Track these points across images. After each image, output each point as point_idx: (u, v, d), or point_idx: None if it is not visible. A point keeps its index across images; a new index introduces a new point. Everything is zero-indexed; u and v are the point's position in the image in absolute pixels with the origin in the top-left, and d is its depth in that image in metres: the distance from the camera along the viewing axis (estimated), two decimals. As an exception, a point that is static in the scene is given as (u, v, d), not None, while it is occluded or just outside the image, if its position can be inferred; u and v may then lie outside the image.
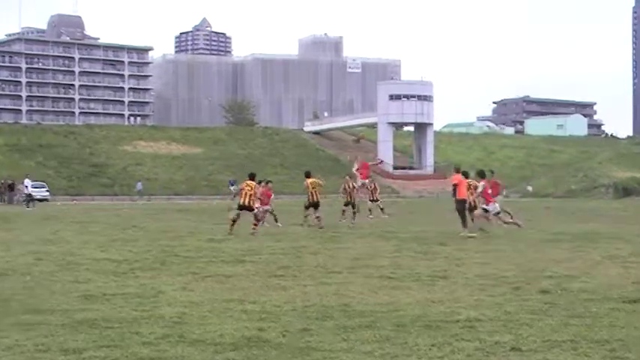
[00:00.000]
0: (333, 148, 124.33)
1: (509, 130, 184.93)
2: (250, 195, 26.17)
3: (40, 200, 72.05)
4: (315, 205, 29.15)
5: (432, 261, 17.08)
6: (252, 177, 26.97)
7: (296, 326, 9.50)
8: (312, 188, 29.32)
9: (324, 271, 15.22)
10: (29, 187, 56.95)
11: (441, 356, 8.07)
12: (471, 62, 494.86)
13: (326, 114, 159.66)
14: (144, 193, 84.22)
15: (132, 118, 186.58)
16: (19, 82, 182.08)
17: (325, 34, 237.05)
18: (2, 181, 73.77)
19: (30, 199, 57.53)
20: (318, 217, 28.81)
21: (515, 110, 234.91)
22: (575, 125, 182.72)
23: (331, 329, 9.36)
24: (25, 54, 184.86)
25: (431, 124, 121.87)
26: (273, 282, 13.62)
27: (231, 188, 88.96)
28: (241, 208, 26.14)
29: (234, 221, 25.75)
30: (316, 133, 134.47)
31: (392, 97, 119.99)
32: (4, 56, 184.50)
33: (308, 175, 30.22)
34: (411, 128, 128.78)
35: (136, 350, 8.23)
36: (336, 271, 15.20)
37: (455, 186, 25.27)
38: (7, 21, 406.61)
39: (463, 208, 24.96)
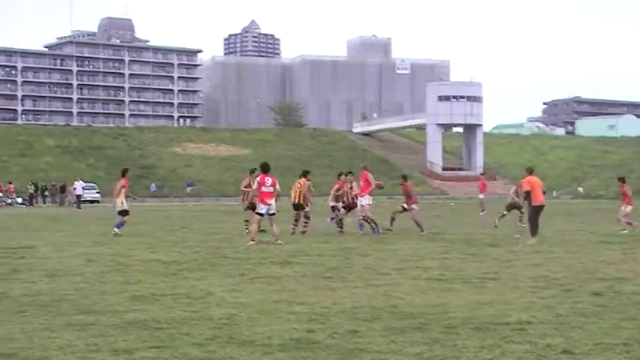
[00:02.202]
0: (382, 150, 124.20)
1: (560, 131, 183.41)
2: (302, 193, 25.98)
3: (91, 202, 72.85)
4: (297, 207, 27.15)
5: (482, 263, 16.96)
6: (305, 174, 26.75)
7: (345, 328, 9.47)
8: (298, 188, 27.18)
9: (372, 272, 15.18)
10: (78, 189, 57.52)
11: (490, 358, 8.00)
12: (521, 62, 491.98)
13: (375, 115, 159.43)
14: (192, 194, 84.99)
15: (181, 120, 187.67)
16: (71, 84, 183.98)
17: (374, 35, 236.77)
18: (53, 184, 74.62)
19: (80, 200, 58.02)
20: (295, 221, 27.18)
21: (566, 111, 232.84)
22: (628, 125, 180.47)
23: (380, 331, 9.32)
24: (76, 57, 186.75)
25: (480, 125, 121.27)
26: (321, 283, 13.60)
27: (188, 189, 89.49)
28: (296, 207, 26.09)
29: (296, 221, 26.08)
30: (365, 134, 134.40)
31: (441, 98, 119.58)
32: (55, 59, 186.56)
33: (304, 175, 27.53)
34: (460, 129, 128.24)
35: (186, 351, 8.26)
36: (385, 272, 15.15)
37: (527, 193, 22.85)
38: (58, 24, 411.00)
39: (538, 214, 22.82)
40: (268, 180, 22.33)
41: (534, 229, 22.66)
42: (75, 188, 59.16)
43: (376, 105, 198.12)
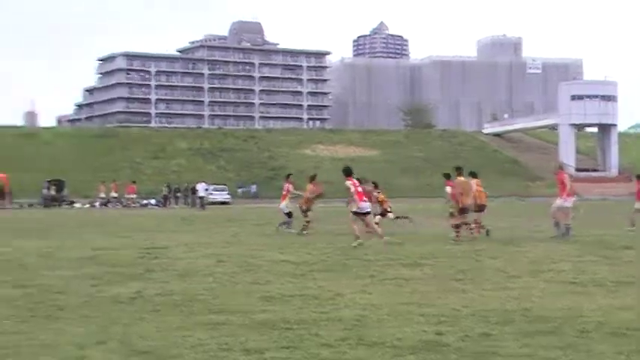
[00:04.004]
0: (513, 151, 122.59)
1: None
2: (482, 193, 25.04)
3: (222, 203, 73.98)
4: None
5: (617, 266, 16.50)
6: (472, 174, 25.40)
7: (475, 330, 9.34)
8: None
9: (503, 275, 14.94)
10: (201, 191, 58.35)
11: (628, 365, 7.77)
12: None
13: (505, 116, 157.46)
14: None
15: (310, 122, 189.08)
16: (202, 87, 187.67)
17: (504, 34, 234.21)
18: (186, 185, 76.03)
19: (203, 202, 58.71)
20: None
21: None
22: None
23: (512, 334, 9.15)
24: (208, 60, 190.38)
25: (615, 125, 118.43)
26: (451, 285, 13.45)
27: (239, 191, 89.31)
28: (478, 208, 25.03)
29: (465, 225, 24.48)
30: (495, 135, 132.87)
31: (574, 98, 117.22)
32: (187, 63, 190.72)
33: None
34: (594, 129, 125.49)
35: (316, 352, 8.27)
36: (516, 275, 14.89)
37: None
38: (191, 29, 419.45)
39: None
40: (355, 182, 22.72)
41: None
42: (198, 190, 59.98)
43: (507, 105, 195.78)
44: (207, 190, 60.89)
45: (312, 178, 29.12)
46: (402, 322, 9.94)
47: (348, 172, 22.85)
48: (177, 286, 13.37)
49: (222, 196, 77.92)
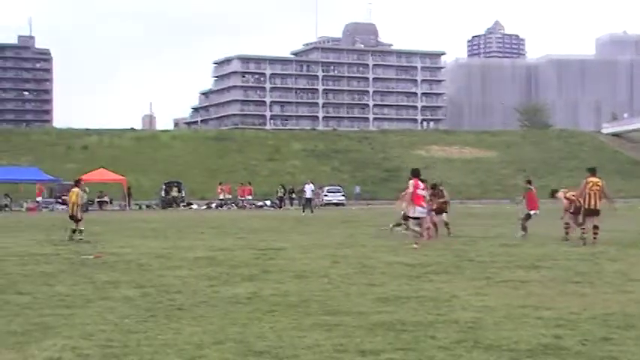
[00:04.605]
0: (633, 151, 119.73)
1: None
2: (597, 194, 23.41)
3: (336, 204, 74.22)
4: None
5: None
6: (592, 172, 23.85)
7: (596, 334, 9.15)
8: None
9: (623, 278, 14.61)
10: (308, 192, 58.25)
11: None
12: None
13: (626, 115, 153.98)
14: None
15: (424, 123, 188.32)
16: (316, 89, 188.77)
17: (624, 31, 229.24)
18: (291, 187, 76.22)
19: (311, 204, 58.59)
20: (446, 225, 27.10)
21: None
22: None
23: (634, 339, 8.93)
24: (322, 62, 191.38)
25: None
26: (570, 288, 13.22)
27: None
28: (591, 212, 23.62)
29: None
30: (615, 135, 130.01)
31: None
32: (301, 65, 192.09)
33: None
34: None
35: (432, 354, 8.22)
36: (637, 278, 14.54)
37: None
38: (305, 31, 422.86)
39: None
40: (421, 184, 22.87)
41: None
42: (305, 191, 59.92)
43: (627, 104, 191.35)
44: (313, 190, 60.77)
45: (433, 187, 28.49)
46: (519, 325, 9.81)
47: (415, 174, 23.23)
48: (292, 287, 13.46)
49: (337, 197, 78.13)
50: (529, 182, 27.63)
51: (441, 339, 8.95)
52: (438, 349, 8.43)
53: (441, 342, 8.80)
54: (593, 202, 23.21)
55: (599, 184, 23.36)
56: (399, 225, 27.02)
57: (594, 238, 22.84)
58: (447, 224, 27.26)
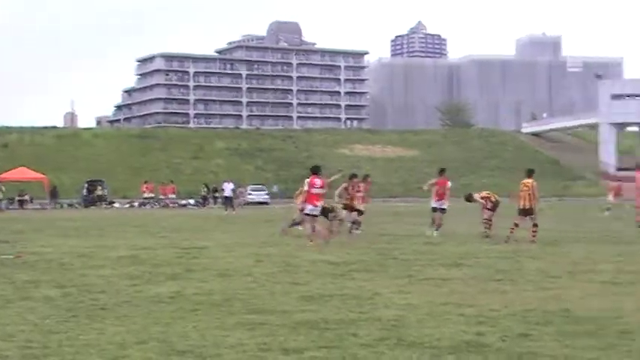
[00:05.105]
0: (553, 150, 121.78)
1: None
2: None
3: (261, 203, 74.10)
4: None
5: (659, 266, 16.36)
6: (528, 174, 24.45)
7: (515, 331, 9.30)
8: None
9: (543, 275, 14.87)
10: (227, 191, 57.72)
11: (670, 366, 7.70)
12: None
13: (545, 115, 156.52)
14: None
15: (348, 122, 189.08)
16: (240, 88, 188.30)
17: (543, 33, 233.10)
18: (214, 186, 75.72)
19: (232, 202, 58.15)
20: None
21: None
22: None
23: (552, 335, 9.10)
24: (246, 61, 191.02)
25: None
26: (491, 286, 13.41)
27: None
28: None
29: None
30: (534, 134, 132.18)
31: (614, 97, 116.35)
32: (225, 63, 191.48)
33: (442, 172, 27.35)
34: (636, 128, 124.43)
35: (355, 352, 8.26)
36: (556, 275, 14.81)
37: None
38: (228, 30, 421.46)
39: None
40: (317, 182, 22.85)
41: None
42: (224, 190, 59.29)
43: (546, 104, 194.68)
44: (234, 189, 60.31)
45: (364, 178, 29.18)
46: (441, 322, 9.91)
47: (314, 171, 23.30)
48: (216, 286, 13.41)
49: (261, 196, 77.97)
50: (441, 171, 27.84)
51: (364, 337, 9.00)
52: (361, 347, 8.48)
53: (363, 340, 8.84)
54: (523, 203, 23.92)
55: (528, 184, 24.01)
56: (297, 224, 26.98)
57: (533, 236, 23.33)
58: (354, 222, 27.36)
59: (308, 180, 23.02)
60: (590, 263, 17.04)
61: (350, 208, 26.92)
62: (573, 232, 28.32)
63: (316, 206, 22.84)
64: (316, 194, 22.78)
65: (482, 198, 26.23)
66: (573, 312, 10.60)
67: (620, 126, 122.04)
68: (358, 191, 27.88)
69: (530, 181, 24.10)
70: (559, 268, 16.09)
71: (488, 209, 25.83)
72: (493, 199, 26.04)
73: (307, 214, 23.07)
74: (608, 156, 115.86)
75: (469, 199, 26.65)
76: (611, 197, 48.43)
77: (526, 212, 23.94)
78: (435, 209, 26.83)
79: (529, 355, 8.11)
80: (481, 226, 25.83)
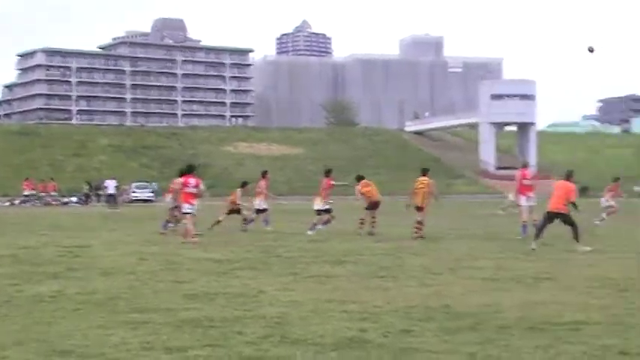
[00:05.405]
0: (435, 149, 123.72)
1: (616, 129, 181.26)
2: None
3: (144, 201, 73.27)
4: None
5: (536, 262, 16.80)
6: (423, 172, 24.99)
7: (397, 327, 9.44)
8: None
9: (425, 272, 15.12)
10: (110, 188, 56.90)
11: (545, 359, 7.92)
12: (575, 60, 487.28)
13: (427, 114, 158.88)
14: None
15: (233, 120, 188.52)
16: (124, 85, 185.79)
17: (426, 33, 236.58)
18: (97, 183, 74.59)
19: (115, 200, 57.43)
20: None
21: (622, 108, 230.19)
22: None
23: (433, 330, 9.28)
24: (130, 57, 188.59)
25: (533, 124, 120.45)
26: (374, 283, 13.57)
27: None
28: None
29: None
30: (417, 133, 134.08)
31: (494, 97, 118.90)
32: (109, 60, 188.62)
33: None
34: (514, 128, 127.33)
35: (239, 349, 8.28)
36: (438, 272, 15.08)
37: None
38: (112, 25, 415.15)
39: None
40: (192, 181, 23.07)
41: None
42: (107, 187, 58.38)
43: (428, 104, 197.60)
44: (117, 187, 59.38)
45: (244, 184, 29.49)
46: (325, 319, 10.00)
47: (188, 170, 23.70)
48: (99, 285, 13.25)
49: (145, 193, 77.07)
50: (327, 172, 28.04)
51: (249, 334, 9.03)
52: (245, 345, 8.50)
53: (248, 337, 8.87)
54: (416, 200, 24.62)
55: (425, 182, 24.64)
56: (176, 221, 26.91)
57: (415, 232, 24.00)
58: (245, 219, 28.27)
59: (181, 180, 23.20)
60: (471, 260, 17.41)
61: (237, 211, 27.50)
62: (456, 229, 28.83)
63: (192, 205, 22.88)
64: (191, 193, 22.91)
65: (361, 193, 26.71)
66: (454, 308, 10.82)
67: (499, 126, 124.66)
68: (258, 188, 28.41)
69: (426, 179, 24.70)
70: (441, 264, 16.39)
71: (366, 208, 26.35)
72: (374, 199, 26.50)
73: (185, 213, 23.10)
74: (487, 155, 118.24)
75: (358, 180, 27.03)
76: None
77: (419, 209, 24.49)
78: (320, 212, 26.96)
79: (410, 351, 8.25)
80: (364, 225, 26.19)
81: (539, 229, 20.24)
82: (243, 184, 29.25)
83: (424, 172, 25.09)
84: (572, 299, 11.61)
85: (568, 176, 20.60)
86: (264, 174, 30.10)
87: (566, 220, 19.87)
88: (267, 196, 29.29)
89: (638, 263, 16.54)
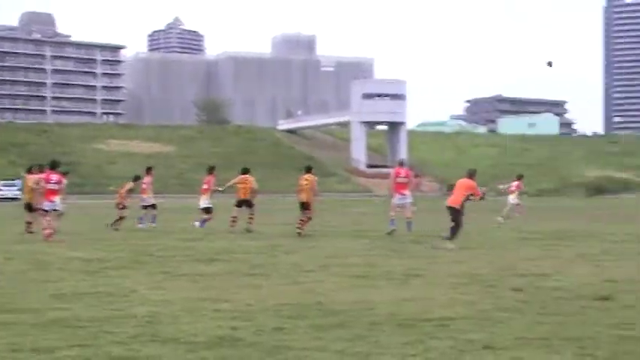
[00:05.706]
0: (307, 147, 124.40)
1: (482, 129, 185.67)
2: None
3: (12, 199, 71.53)
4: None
5: (405, 259, 17.06)
6: (307, 170, 25.44)
7: (269, 325, 9.47)
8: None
9: (297, 269, 15.20)
10: None
11: (413, 354, 8.05)
12: (444, 61, 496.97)
13: (300, 112, 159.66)
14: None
15: (104, 117, 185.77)
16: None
17: (298, 32, 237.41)
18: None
19: None
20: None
21: (488, 109, 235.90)
22: (547, 124, 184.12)
23: (304, 328, 9.33)
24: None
25: (404, 123, 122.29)
26: (246, 281, 13.58)
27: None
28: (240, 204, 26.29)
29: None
30: (290, 131, 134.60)
31: (365, 96, 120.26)
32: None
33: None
34: (385, 127, 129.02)
35: (109, 349, 8.18)
36: (310, 269, 15.18)
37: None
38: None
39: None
40: (53, 177, 22.76)
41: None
42: None
43: (301, 102, 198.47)
44: None
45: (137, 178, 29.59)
46: (197, 317, 9.96)
47: (52, 166, 23.37)
48: (-37, 286, 12.91)
49: (12, 192, 75.26)
50: (210, 169, 28.15)
51: (118, 334, 8.93)
52: (115, 344, 8.40)
53: (118, 337, 8.76)
54: (301, 196, 24.96)
55: (309, 179, 24.93)
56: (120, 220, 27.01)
57: (299, 227, 24.44)
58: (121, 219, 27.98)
59: (42, 176, 22.80)
60: (342, 257, 17.57)
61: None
62: (328, 226, 29.06)
63: (53, 202, 22.42)
64: (52, 190, 22.49)
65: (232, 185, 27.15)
66: (325, 305, 10.90)
67: (371, 124, 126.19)
68: (144, 185, 28.34)
69: (310, 176, 25.02)
70: (313, 262, 16.50)
71: (236, 206, 26.48)
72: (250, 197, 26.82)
73: (45, 210, 22.52)
74: (358, 153, 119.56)
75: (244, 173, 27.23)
76: (511, 199, 49.23)
77: (305, 206, 24.80)
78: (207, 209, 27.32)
79: (282, 349, 8.28)
80: (235, 223, 26.26)
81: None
82: (136, 178, 28.93)
83: (308, 170, 25.44)
84: (441, 295, 11.84)
85: (470, 175, 21.02)
86: (148, 170, 30.07)
87: (455, 217, 20.25)
88: (151, 192, 29.43)
89: (503, 260, 16.96)
